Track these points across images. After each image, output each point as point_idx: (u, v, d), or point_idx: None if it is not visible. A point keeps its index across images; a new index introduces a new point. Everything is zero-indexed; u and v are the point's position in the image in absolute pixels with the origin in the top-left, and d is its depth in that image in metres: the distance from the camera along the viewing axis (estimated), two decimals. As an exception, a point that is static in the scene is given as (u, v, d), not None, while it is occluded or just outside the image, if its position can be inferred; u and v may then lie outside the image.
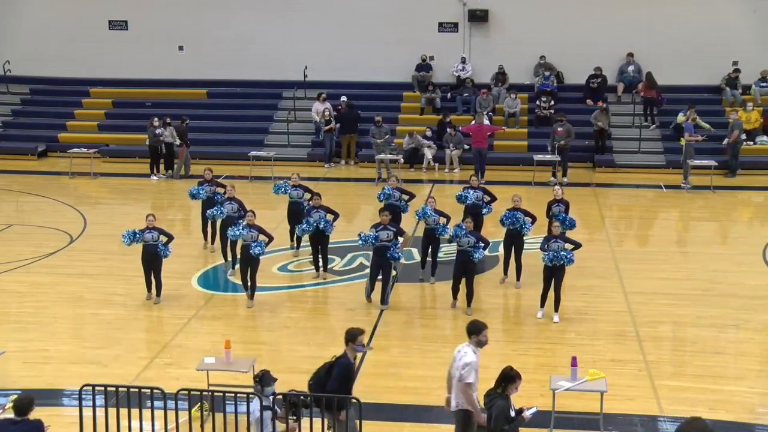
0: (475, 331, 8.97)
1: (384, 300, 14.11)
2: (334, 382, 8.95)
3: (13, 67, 28.54)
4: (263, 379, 9.29)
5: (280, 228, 17.17)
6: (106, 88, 28.58)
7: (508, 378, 8.36)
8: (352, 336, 9.17)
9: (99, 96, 28.50)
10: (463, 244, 13.60)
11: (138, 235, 14.04)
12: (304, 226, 15.26)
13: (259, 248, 13.91)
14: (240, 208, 15.50)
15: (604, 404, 10.03)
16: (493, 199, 16.34)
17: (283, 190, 16.64)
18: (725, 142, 23.67)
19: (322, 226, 15.14)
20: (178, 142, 23.94)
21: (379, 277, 14.16)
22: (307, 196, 16.60)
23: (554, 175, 23.13)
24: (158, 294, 14.30)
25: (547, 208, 15.62)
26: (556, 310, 13.47)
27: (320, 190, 16.38)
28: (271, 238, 14.44)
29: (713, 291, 14.85)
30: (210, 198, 16.60)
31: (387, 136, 24.29)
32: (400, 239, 14.45)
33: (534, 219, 15.15)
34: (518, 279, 15.04)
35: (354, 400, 8.98)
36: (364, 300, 14.25)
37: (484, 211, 16.06)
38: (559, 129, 23.31)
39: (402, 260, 15.98)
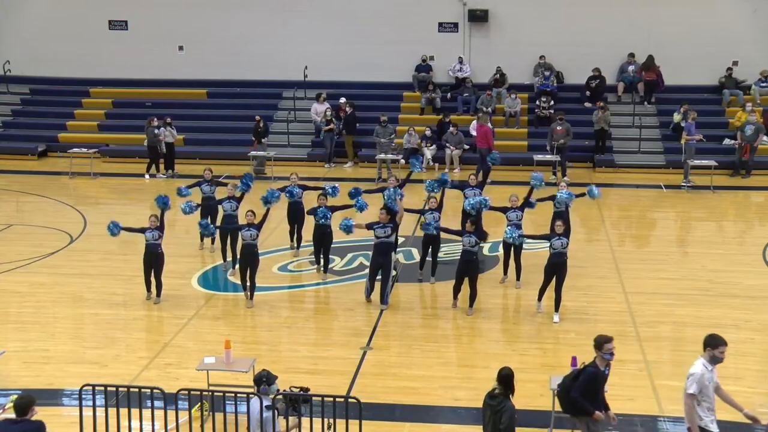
0: (711, 345, 8.39)
1: (384, 300, 14.11)
2: (578, 389, 8.72)
3: (13, 67, 28.54)
4: (269, 378, 9.31)
5: (279, 228, 17.19)
6: (106, 88, 28.58)
7: (510, 378, 8.26)
8: (599, 343, 8.85)
9: (99, 96, 28.50)
10: (465, 244, 13.61)
11: (116, 228, 14.07)
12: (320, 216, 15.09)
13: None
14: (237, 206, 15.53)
15: (604, 404, 10.03)
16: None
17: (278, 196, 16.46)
18: (734, 143, 23.72)
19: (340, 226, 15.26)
20: (170, 140, 24.00)
21: (379, 276, 14.16)
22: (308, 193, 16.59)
23: (554, 174, 23.13)
24: (158, 294, 14.30)
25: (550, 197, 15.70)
26: (557, 310, 13.47)
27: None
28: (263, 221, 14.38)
29: (713, 291, 14.86)
30: (209, 197, 16.61)
31: (392, 136, 24.31)
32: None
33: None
34: (518, 279, 15.05)
35: (353, 400, 8.98)
36: (364, 300, 14.25)
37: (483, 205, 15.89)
38: (558, 128, 23.32)
39: (402, 260, 16.03)
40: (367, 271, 14.73)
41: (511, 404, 8.19)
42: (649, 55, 26.14)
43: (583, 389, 8.73)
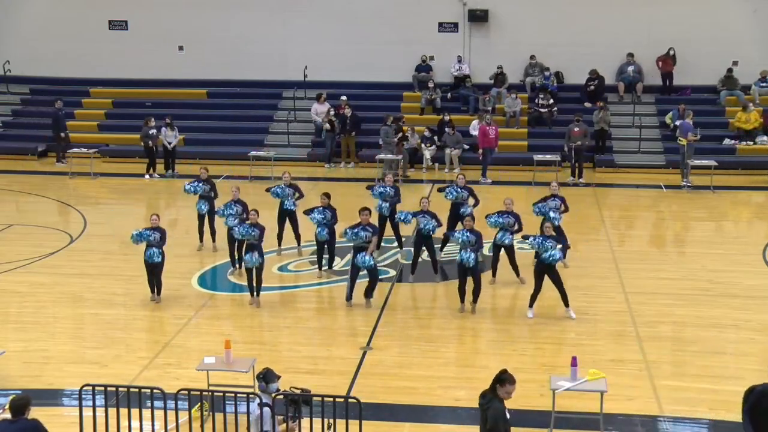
0: None
1: (368, 293, 14.09)
2: (747, 405, 8.21)
3: (13, 67, 28.55)
4: (267, 376, 9.30)
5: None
6: (106, 88, 28.59)
7: (499, 380, 7.97)
8: None
9: (99, 96, 28.50)
10: (466, 244, 13.60)
11: (144, 234, 14.06)
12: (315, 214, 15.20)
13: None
14: (244, 210, 15.42)
15: (604, 404, 10.04)
16: (477, 202, 16.30)
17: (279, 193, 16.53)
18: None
19: (321, 228, 15.22)
20: (171, 140, 23.97)
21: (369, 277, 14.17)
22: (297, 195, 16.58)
23: (572, 175, 23.03)
24: (158, 293, 14.31)
25: (542, 200, 15.77)
26: (567, 305, 13.50)
27: (321, 190, 16.36)
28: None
29: (713, 291, 14.86)
30: (205, 197, 16.61)
31: (398, 135, 24.33)
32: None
33: (520, 227, 14.94)
34: (518, 275, 15.02)
35: (353, 400, 8.98)
36: (364, 300, 14.22)
37: (462, 209, 15.86)
38: (576, 129, 23.17)
39: (401, 260, 16.02)
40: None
41: (498, 405, 7.87)
42: (671, 47, 26.17)
43: (751, 406, 8.22)
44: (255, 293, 14.21)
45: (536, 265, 13.56)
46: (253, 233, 13.90)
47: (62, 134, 25.38)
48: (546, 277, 13.37)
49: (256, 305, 14.16)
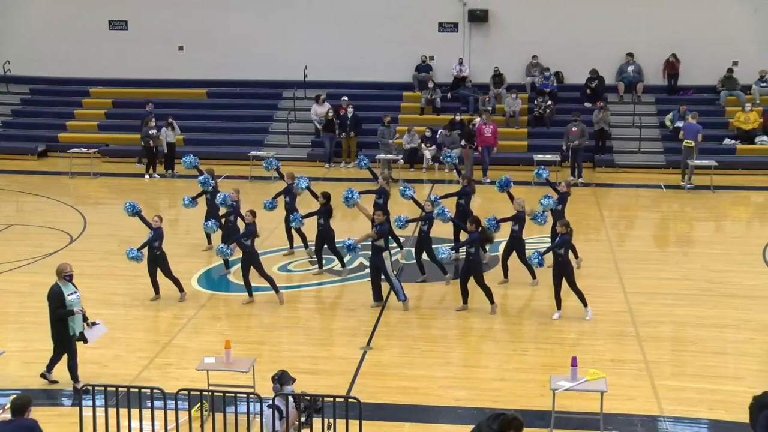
0: None
1: (398, 296, 14.03)
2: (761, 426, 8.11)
3: (13, 67, 28.55)
4: (282, 378, 9.30)
5: (279, 229, 17.15)
6: (106, 88, 28.60)
7: (510, 425, 7.37)
8: None
9: (99, 96, 28.51)
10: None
11: (132, 209, 14.35)
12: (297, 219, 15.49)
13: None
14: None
15: (604, 404, 10.03)
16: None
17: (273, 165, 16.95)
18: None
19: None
20: (171, 139, 23.96)
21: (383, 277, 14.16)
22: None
23: (572, 174, 23.02)
24: (181, 290, 14.33)
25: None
26: (585, 305, 13.47)
27: (321, 190, 16.33)
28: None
29: (713, 291, 14.86)
30: (210, 198, 16.65)
31: (396, 136, 24.32)
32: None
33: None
34: (534, 277, 14.93)
35: (353, 400, 8.98)
36: (364, 300, 14.21)
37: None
38: (574, 129, 23.16)
39: (402, 260, 16.01)
40: (368, 271, 14.69)
41: None
42: (672, 53, 26.22)
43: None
44: (276, 291, 14.27)
45: (553, 266, 13.44)
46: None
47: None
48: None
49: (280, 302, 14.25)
